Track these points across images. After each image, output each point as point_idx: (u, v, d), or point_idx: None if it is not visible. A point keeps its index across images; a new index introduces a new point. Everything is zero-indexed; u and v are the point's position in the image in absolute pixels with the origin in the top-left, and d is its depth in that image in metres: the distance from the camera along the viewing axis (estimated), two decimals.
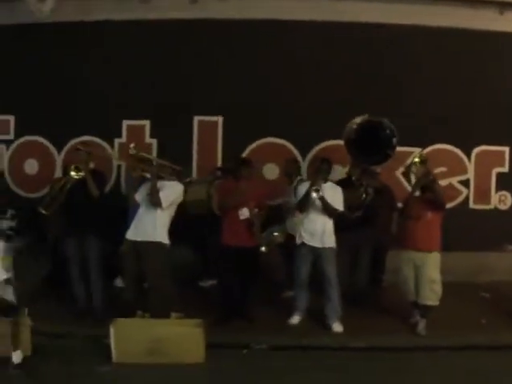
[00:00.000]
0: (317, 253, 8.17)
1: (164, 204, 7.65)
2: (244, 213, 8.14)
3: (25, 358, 6.73)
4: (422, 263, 7.96)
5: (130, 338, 6.90)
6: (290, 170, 9.42)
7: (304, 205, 8.13)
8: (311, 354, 7.29)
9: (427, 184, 7.93)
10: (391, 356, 7.27)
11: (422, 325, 8.02)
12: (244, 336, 7.66)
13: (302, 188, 8.30)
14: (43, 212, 7.94)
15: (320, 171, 8.24)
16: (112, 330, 6.90)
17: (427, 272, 7.96)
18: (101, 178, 8.42)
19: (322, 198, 8.01)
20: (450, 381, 6.68)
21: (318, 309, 8.21)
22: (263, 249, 8.09)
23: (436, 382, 6.69)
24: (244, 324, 8.04)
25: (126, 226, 7.90)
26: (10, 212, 8.66)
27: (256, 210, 8.12)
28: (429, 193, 7.94)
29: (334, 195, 8.20)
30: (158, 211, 7.67)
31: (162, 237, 7.70)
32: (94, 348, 7.14)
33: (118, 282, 9.00)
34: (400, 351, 7.42)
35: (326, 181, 8.27)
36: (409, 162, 8.74)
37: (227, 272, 8.12)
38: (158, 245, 7.63)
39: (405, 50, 10.31)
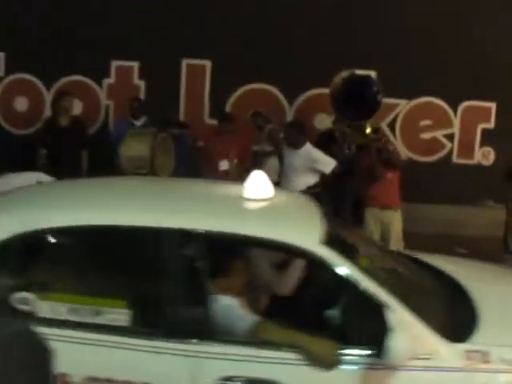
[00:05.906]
0: None
1: None
2: (223, 164, 8.05)
3: None
4: (388, 221, 7.97)
5: None
6: (258, 123, 9.40)
7: None
8: None
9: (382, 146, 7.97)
10: None
11: None
12: None
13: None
14: None
15: None
16: None
17: (395, 229, 7.97)
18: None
19: None
20: None
21: None
22: None
23: None
24: None
25: None
26: None
27: (235, 161, 8.11)
28: (384, 153, 7.92)
29: (318, 157, 8.12)
30: None
31: None
32: None
33: None
34: None
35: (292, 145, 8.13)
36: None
37: None
38: None
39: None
